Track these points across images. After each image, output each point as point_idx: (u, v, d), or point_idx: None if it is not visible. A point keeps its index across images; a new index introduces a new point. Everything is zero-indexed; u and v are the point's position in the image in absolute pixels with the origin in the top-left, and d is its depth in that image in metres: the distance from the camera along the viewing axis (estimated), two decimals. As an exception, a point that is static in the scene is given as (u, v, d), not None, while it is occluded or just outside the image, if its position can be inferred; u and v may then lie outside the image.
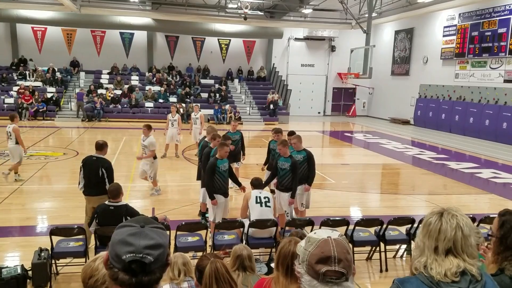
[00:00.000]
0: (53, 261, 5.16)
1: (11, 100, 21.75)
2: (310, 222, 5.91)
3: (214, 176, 6.41)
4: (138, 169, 9.54)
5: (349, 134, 21.46)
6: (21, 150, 9.84)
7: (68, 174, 10.87)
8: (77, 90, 23.67)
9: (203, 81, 26.39)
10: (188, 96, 24.27)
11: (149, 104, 23.15)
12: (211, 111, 23.45)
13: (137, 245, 1.19)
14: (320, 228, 5.79)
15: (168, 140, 13.16)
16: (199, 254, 5.75)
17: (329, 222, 5.90)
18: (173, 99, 24.16)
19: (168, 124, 13.13)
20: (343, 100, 30.09)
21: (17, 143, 9.71)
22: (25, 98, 21.42)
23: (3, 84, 23.05)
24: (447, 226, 1.67)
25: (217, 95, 24.99)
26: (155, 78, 25.38)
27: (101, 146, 6.32)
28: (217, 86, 25.88)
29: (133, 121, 21.90)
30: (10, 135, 9.70)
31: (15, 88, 22.50)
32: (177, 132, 12.98)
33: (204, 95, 25.15)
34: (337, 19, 24.79)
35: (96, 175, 6.14)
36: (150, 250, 1.20)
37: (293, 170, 6.73)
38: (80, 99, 21.83)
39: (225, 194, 6.56)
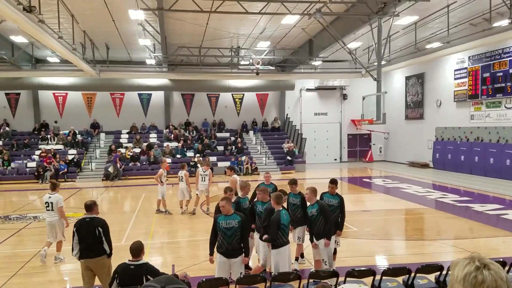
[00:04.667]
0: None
1: (33, 164, 22.35)
2: (335, 274, 5.74)
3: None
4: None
5: (367, 180, 21.22)
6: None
7: (89, 234, 10.87)
8: (97, 151, 24.30)
9: (219, 134, 26.85)
10: (206, 149, 24.66)
11: (167, 160, 23.46)
12: (227, 163, 23.61)
13: None
14: (345, 279, 5.63)
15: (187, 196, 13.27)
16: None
17: (354, 273, 5.73)
18: (190, 153, 24.50)
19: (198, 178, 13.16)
20: (358, 146, 30.06)
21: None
22: (47, 161, 22.01)
23: (25, 149, 23.80)
24: (496, 280, 1.58)
25: (233, 147, 25.29)
26: (172, 135, 25.94)
27: (90, 207, 6.22)
28: (232, 138, 26.27)
29: (152, 177, 22.11)
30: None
31: (37, 152, 23.19)
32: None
33: (220, 148, 25.50)
34: (347, 68, 25.36)
35: (93, 236, 6.03)
36: None
37: (322, 213, 6.76)
38: (115, 161, 22.29)
39: None
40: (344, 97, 29.10)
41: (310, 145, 27.34)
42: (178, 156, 24.14)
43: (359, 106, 22.90)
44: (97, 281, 6.19)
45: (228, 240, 5.96)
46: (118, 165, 22.11)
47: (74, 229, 6.15)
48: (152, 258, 8.48)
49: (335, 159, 29.61)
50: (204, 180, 12.99)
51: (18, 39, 19.39)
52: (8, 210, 14.43)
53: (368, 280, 5.72)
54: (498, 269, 1.60)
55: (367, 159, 29.14)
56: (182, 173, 13.07)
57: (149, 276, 5.06)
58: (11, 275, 7.80)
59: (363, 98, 21.20)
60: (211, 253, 6.22)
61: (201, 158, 22.86)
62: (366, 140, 29.97)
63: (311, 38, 20.41)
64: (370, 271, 5.82)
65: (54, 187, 8.78)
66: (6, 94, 25.44)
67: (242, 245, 6.06)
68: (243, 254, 6.06)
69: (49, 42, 14.10)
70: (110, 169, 22.14)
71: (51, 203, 8.64)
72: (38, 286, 7.34)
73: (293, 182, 7.92)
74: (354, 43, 20.74)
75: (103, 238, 6.06)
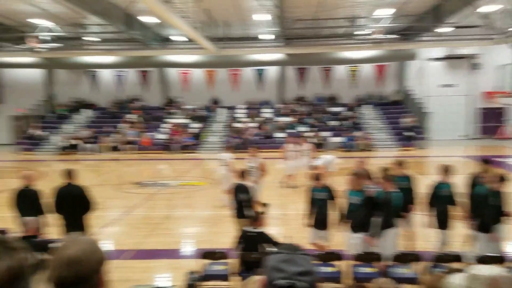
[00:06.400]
0: (201, 284, 5.47)
1: (162, 136, 24.58)
2: (458, 258, 5.32)
3: None
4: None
5: (500, 159, 18.99)
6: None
7: (211, 201, 11.67)
8: (216, 125, 25.78)
9: (332, 109, 26.40)
10: (317, 124, 24.53)
11: (279, 135, 23.93)
12: (341, 139, 23.20)
13: (289, 272, 1.26)
14: (473, 265, 5.15)
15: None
16: (335, 285, 5.56)
17: (485, 259, 5.21)
18: (302, 128, 24.60)
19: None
20: (491, 121, 26.96)
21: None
22: (175, 133, 24.08)
23: (155, 122, 26.25)
24: None
25: (347, 122, 24.69)
26: (285, 110, 26.27)
27: (242, 174, 7.46)
28: (348, 113, 25.63)
29: (265, 151, 22.70)
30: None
31: (165, 125, 25.43)
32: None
33: (334, 123, 25.08)
34: (478, 35, 22.63)
35: (238, 200, 7.19)
36: (301, 276, 1.25)
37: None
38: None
39: None
40: (475, 66, 26.13)
41: (434, 120, 25.29)
42: (291, 131, 24.37)
43: (493, 77, 20.47)
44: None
45: (353, 216, 6.06)
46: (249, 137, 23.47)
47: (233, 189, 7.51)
48: (270, 228, 8.75)
49: (463, 136, 27.03)
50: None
51: (146, 19, 21.06)
52: (142, 177, 16.14)
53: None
54: None
55: (501, 136, 26.04)
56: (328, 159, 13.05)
57: (263, 244, 5.29)
58: (147, 235, 8.74)
59: (499, 68, 18.88)
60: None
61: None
62: (500, 115, 26.71)
63: (438, 2, 18.59)
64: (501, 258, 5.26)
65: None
66: (139, 72, 28.14)
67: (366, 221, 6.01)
68: (368, 232, 5.96)
69: (174, 21, 15.04)
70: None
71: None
72: (167, 246, 8.12)
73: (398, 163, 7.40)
74: (489, 6, 18.32)
75: (245, 203, 7.17)
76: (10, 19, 20.70)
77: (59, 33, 20.98)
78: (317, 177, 6.88)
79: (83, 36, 23.50)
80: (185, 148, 23.46)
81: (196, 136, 24.52)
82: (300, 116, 25.59)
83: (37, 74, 27.54)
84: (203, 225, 9.64)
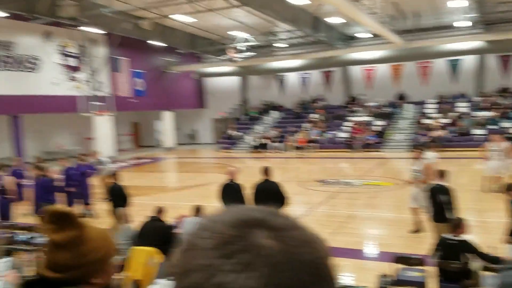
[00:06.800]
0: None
1: (343, 134, 24.54)
2: None
3: None
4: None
5: None
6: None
7: (396, 203, 11.11)
8: (402, 122, 24.43)
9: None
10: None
11: (478, 132, 21.21)
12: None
13: None
14: None
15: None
16: None
17: None
18: (507, 124, 21.22)
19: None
20: None
21: None
22: (357, 131, 23.79)
23: (337, 121, 26.35)
24: None
25: None
26: (485, 103, 23.15)
27: (442, 173, 6.83)
28: None
29: (459, 150, 20.48)
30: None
31: (347, 124, 25.27)
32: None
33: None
34: None
35: (436, 202, 6.57)
36: None
37: None
38: None
39: None
40: None
41: None
42: (493, 127, 21.28)
43: None
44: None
45: None
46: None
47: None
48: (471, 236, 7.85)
49: None
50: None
51: (333, 20, 21.34)
52: (325, 175, 16.42)
53: None
54: None
55: None
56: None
57: (466, 254, 4.78)
58: (332, 232, 8.85)
59: None
60: None
61: None
62: None
63: None
64: None
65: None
66: (323, 72, 28.73)
67: None
68: None
69: (362, 18, 14.82)
70: None
71: None
72: (352, 245, 8.02)
73: None
74: None
75: (446, 206, 6.50)
76: (213, 33, 23.84)
77: (253, 42, 23.15)
78: (510, 188, 5.83)
79: (273, 43, 25.39)
80: (368, 146, 22.90)
81: (380, 134, 23.70)
82: (504, 110, 22.20)
83: (234, 81, 30.89)
84: (390, 227, 9.24)
